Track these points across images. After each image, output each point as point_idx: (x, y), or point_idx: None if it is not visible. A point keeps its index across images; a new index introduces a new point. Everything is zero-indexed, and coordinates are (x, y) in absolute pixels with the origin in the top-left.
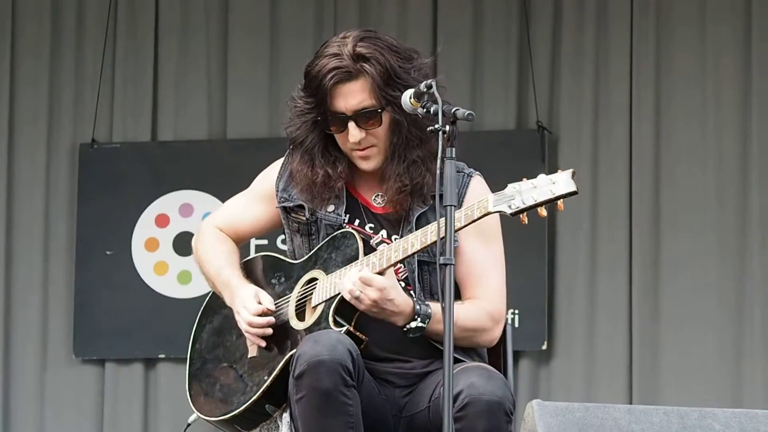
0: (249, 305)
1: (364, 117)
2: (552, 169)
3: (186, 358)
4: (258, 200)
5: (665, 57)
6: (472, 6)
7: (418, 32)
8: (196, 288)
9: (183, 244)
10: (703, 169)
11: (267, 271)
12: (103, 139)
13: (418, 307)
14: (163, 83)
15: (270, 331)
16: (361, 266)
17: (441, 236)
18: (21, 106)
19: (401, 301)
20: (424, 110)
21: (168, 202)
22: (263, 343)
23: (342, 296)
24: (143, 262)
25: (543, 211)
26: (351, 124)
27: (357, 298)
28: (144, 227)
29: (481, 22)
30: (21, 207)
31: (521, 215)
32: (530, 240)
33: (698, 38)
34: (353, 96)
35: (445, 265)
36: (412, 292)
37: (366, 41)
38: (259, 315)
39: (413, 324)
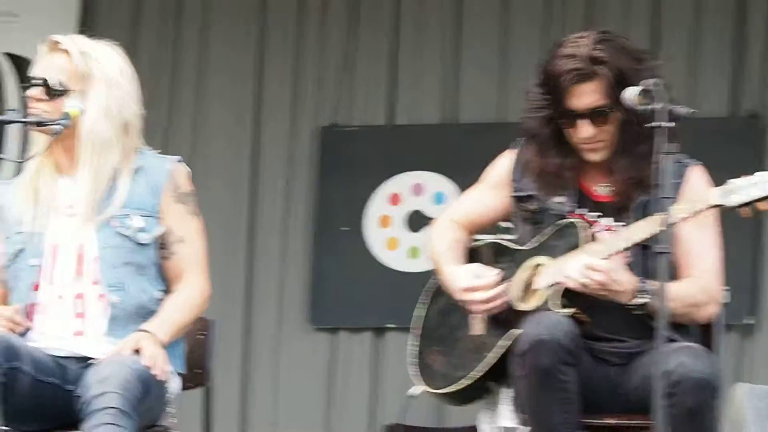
0: (469, 281)
1: (596, 115)
2: (760, 158)
3: (412, 331)
4: (492, 189)
5: None
6: (693, 3)
7: (641, 23)
8: (424, 264)
9: (414, 220)
10: None
11: (494, 256)
12: (343, 122)
13: (640, 285)
14: (401, 72)
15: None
16: (586, 255)
17: (661, 228)
18: (268, 92)
19: (626, 280)
20: (647, 108)
21: (401, 182)
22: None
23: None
24: (376, 237)
25: (763, 206)
26: (584, 122)
27: (584, 285)
28: (378, 205)
29: (699, 16)
30: (265, 186)
31: (743, 209)
32: (741, 226)
33: None
34: (587, 96)
35: (662, 253)
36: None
37: (602, 44)
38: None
39: (638, 299)
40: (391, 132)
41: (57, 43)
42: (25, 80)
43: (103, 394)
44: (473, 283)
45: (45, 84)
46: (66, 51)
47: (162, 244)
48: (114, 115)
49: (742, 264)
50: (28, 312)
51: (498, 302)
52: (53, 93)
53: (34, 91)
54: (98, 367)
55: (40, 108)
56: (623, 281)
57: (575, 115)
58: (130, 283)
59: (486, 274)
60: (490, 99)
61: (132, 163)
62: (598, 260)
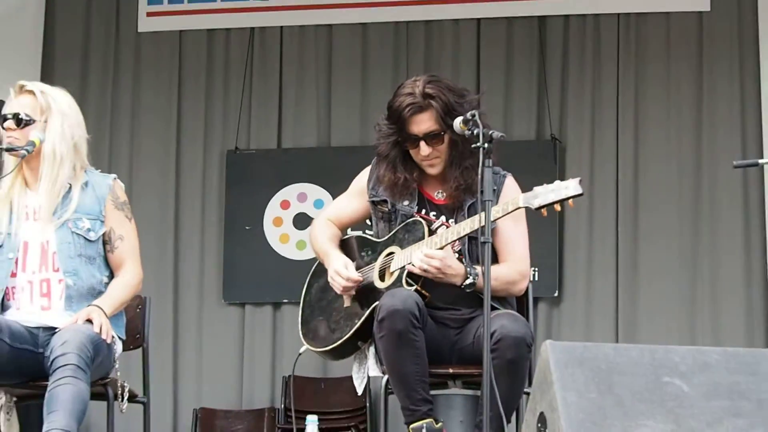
0: (342, 272)
1: (431, 138)
2: (560, 170)
3: (299, 304)
4: (354, 196)
5: (643, 89)
6: (505, 49)
7: (467, 65)
8: (309, 253)
9: (300, 221)
10: (668, 166)
11: (359, 246)
12: (243, 147)
13: (468, 269)
14: (284, 108)
15: (355, 282)
16: (426, 246)
17: (482, 224)
18: (185, 125)
19: (457, 266)
20: (470, 132)
21: (289, 192)
22: (351, 295)
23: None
24: (271, 234)
25: (558, 207)
26: (422, 143)
27: (425, 270)
28: (272, 209)
29: (512, 61)
30: (186, 197)
31: (542, 210)
32: (548, 220)
33: (664, 72)
34: (423, 123)
35: (485, 243)
36: (463, 259)
37: (432, 84)
38: (346, 280)
39: (467, 281)
40: (281, 154)
41: (23, 86)
42: None
43: (64, 354)
44: (341, 271)
45: (16, 117)
46: (31, 92)
47: (106, 241)
48: (67, 138)
49: (549, 250)
50: (7, 293)
51: (351, 291)
52: (22, 124)
53: (8, 124)
54: (60, 334)
55: (13, 136)
56: (455, 267)
57: (416, 139)
58: (82, 270)
59: (350, 268)
60: (354, 128)
61: (81, 179)
62: (435, 250)
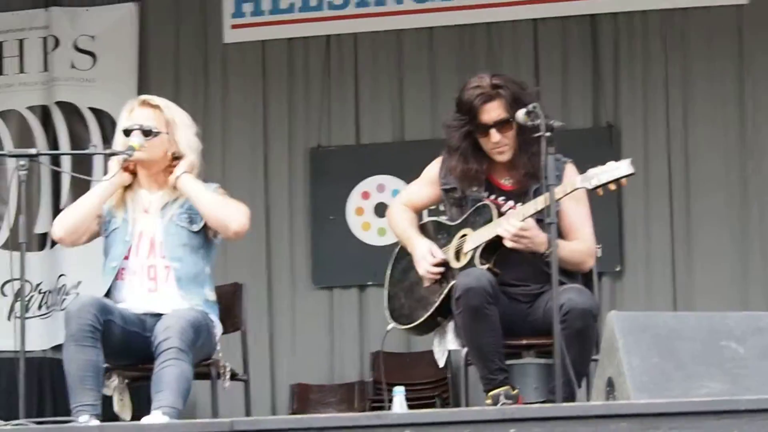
0: (428, 257)
1: (500, 125)
2: (616, 155)
3: (384, 285)
4: (426, 185)
5: (689, 77)
6: (560, 46)
7: (526, 62)
8: (389, 239)
9: (380, 210)
10: (716, 147)
11: (435, 230)
12: (325, 144)
13: (549, 238)
14: (362, 104)
15: (441, 270)
16: (514, 218)
17: (546, 204)
18: (271, 127)
19: (542, 235)
20: (532, 123)
21: (369, 183)
22: (437, 279)
23: (484, 244)
24: (354, 222)
25: (612, 186)
26: (492, 131)
27: (517, 237)
28: (354, 200)
29: (567, 57)
30: (275, 191)
31: (598, 190)
32: (608, 202)
33: (708, 61)
34: (493, 111)
35: (550, 224)
36: None
37: (497, 77)
38: (434, 265)
39: (551, 248)
40: (359, 149)
41: (146, 101)
42: (102, 125)
43: (167, 338)
44: (426, 257)
45: (144, 129)
46: (156, 106)
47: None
48: (194, 148)
49: (610, 228)
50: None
51: (436, 274)
52: (151, 135)
53: (137, 134)
54: (163, 320)
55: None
56: (541, 235)
57: (486, 127)
58: (186, 257)
59: (435, 252)
60: (425, 123)
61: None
62: (527, 224)
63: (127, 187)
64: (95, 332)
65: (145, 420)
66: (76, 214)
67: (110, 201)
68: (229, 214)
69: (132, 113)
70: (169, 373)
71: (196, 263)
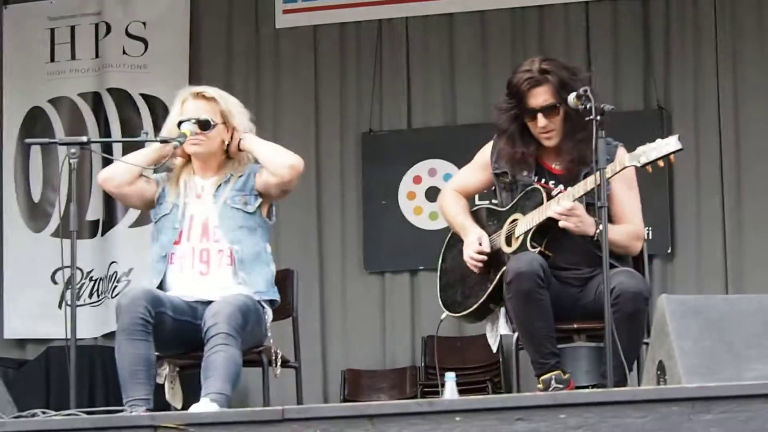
0: (474, 246)
1: (547, 110)
2: (667, 136)
3: (437, 270)
4: (478, 169)
5: (740, 59)
6: (611, 28)
7: (577, 44)
8: (441, 223)
9: (432, 194)
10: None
11: (487, 216)
12: (376, 128)
13: (597, 221)
14: (413, 88)
15: (484, 259)
16: (565, 199)
17: (597, 184)
18: (323, 112)
19: (590, 217)
20: (583, 106)
21: (420, 167)
22: (481, 268)
23: (535, 228)
24: (406, 207)
25: (661, 163)
26: (539, 116)
27: (568, 213)
28: (406, 184)
29: (618, 39)
30: (327, 176)
31: (647, 167)
32: (659, 183)
33: (759, 43)
34: (540, 96)
35: (601, 207)
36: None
37: (547, 62)
38: (479, 253)
39: (599, 231)
40: (411, 133)
41: (200, 92)
42: (154, 112)
43: (215, 324)
44: (473, 244)
45: (201, 121)
46: (212, 98)
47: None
48: (249, 132)
49: (661, 210)
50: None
51: (479, 261)
52: (210, 127)
53: (193, 127)
54: (211, 306)
55: (198, 138)
56: (588, 218)
57: (533, 111)
58: (245, 239)
59: (483, 241)
60: (477, 107)
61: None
62: (575, 204)
63: (182, 171)
64: (147, 325)
65: (194, 408)
66: (118, 163)
67: (167, 180)
68: (286, 156)
69: (185, 105)
70: (218, 358)
71: (256, 243)
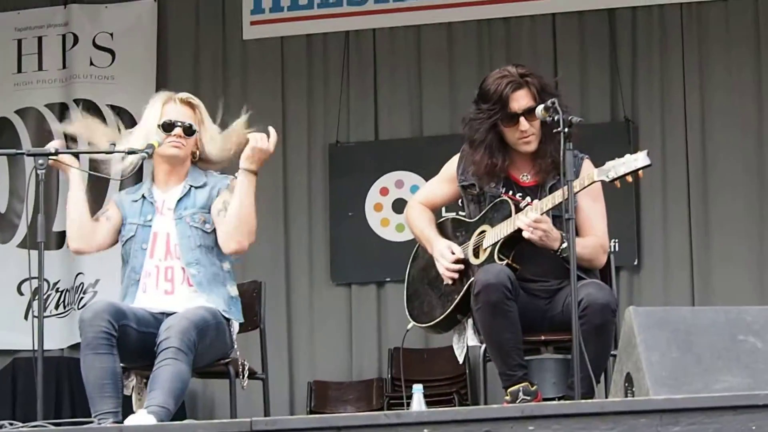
0: (446, 255)
1: (529, 112)
2: (634, 150)
3: (404, 282)
4: (444, 182)
5: (707, 72)
6: (579, 40)
7: (545, 57)
8: (407, 235)
9: (398, 206)
10: (735, 145)
11: (454, 227)
12: (343, 140)
13: (563, 235)
14: (381, 100)
15: (461, 268)
16: (532, 212)
17: (565, 198)
18: (289, 122)
19: (555, 231)
20: (551, 118)
21: (387, 179)
22: (456, 278)
23: (503, 240)
24: (373, 218)
25: (629, 179)
26: (522, 119)
27: (533, 227)
28: (373, 196)
29: (586, 51)
30: (293, 186)
31: (615, 182)
32: (625, 195)
33: (725, 54)
34: (522, 99)
35: (569, 219)
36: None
37: (522, 68)
38: (453, 262)
39: (563, 245)
40: (378, 145)
41: (184, 99)
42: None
43: (167, 338)
44: (444, 254)
45: (185, 127)
46: (196, 106)
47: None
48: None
49: (627, 222)
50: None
51: (455, 273)
52: (192, 134)
53: (178, 131)
54: (166, 321)
55: (180, 143)
56: (554, 232)
57: (515, 115)
58: (203, 259)
59: (454, 250)
60: (444, 119)
61: (202, 180)
62: (542, 216)
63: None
64: (111, 338)
65: (130, 419)
66: (71, 226)
67: (127, 193)
68: (244, 236)
69: (166, 107)
70: (164, 372)
71: (213, 263)
